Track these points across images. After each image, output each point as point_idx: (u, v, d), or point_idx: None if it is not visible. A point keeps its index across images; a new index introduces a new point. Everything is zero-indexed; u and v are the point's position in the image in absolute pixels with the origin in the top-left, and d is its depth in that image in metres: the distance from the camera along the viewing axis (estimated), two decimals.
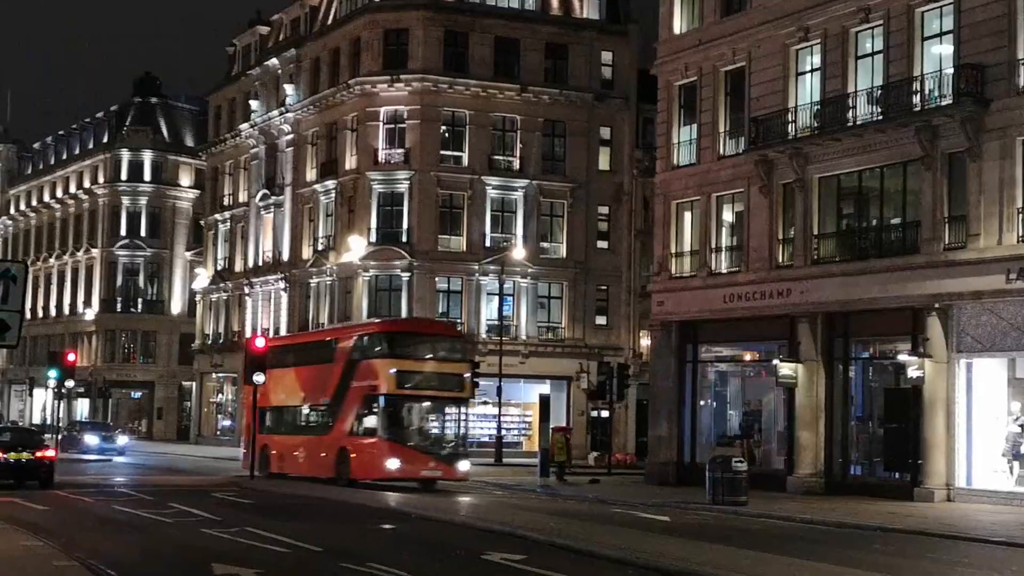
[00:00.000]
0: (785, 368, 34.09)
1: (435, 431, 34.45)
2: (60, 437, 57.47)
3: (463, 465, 33.84)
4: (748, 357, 38.71)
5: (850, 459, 33.89)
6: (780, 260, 35.53)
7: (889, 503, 29.35)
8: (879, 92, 32.41)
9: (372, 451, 33.06)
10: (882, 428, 33.34)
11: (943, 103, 30.57)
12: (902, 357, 31.65)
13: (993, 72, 29.76)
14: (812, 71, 35.06)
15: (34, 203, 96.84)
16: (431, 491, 32.86)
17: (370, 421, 33.56)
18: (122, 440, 56.51)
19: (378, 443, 32.95)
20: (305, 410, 38.08)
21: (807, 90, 35.16)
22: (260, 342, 37.99)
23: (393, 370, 33.02)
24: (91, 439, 54.75)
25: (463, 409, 34.78)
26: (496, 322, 54.37)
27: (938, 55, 31.61)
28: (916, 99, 31.32)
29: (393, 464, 32.48)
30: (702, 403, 39.04)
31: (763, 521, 25.40)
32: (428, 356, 34.31)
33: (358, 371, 34.20)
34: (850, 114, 33.11)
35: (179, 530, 21.34)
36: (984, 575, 17.52)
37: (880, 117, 32.18)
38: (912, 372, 30.81)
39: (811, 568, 17.27)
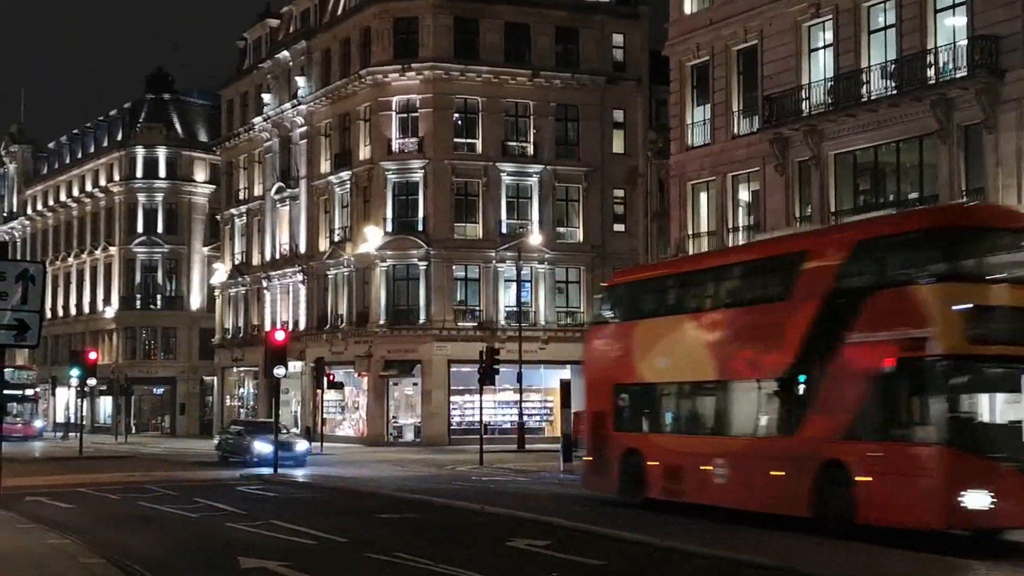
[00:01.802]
0: None
1: None
2: (218, 442, 46.21)
3: None
4: None
5: None
6: None
7: None
8: (893, 66, 32.26)
9: (919, 473, 17.12)
10: None
11: (958, 75, 30.41)
12: None
13: (1008, 43, 29.59)
14: (825, 47, 34.90)
15: (51, 203, 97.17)
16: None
17: (904, 411, 17.71)
18: (301, 445, 41.26)
19: (935, 456, 16.95)
20: (725, 390, 21.84)
21: (820, 66, 35.01)
22: (280, 335, 35.92)
23: (964, 305, 17.35)
24: (262, 447, 39.18)
25: None
26: (514, 309, 54.42)
27: (951, 27, 31.42)
28: (930, 72, 31.17)
29: (977, 500, 16.70)
30: None
31: None
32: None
33: (864, 311, 18.42)
34: (864, 89, 32.98)
35: (205, 525, 21.40)
36: None
37: (894, 91, 32.05)
38: None
39: (843, 547, 17.25)
